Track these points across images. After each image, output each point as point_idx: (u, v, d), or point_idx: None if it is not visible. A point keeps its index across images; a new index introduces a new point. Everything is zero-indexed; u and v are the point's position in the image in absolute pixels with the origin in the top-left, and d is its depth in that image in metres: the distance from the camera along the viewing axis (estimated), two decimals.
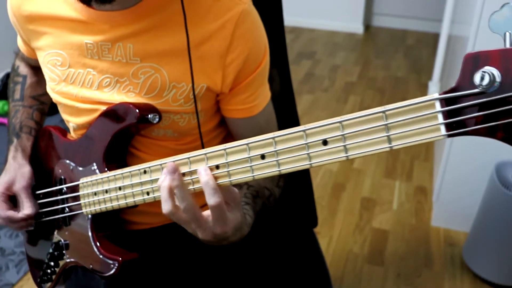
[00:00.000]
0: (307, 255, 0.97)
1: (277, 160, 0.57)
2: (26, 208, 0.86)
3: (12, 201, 0.89)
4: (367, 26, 3.95)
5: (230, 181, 0.61)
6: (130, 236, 0.91)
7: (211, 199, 0.61)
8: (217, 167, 0.61)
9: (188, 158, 0.63)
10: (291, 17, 3.86)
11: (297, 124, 1.16)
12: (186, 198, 0.62)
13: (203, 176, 0.61)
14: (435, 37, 3.44)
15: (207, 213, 0.64)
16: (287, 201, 0.88)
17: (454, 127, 0.45)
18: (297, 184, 1.13)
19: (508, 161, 1.56)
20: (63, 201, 0.86)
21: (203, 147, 0.85)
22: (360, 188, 2.12)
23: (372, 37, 3.80)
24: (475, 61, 0.43)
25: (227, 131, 0.93)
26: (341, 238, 1.85)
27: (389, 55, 3.44)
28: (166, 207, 0.63)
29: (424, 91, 2.91)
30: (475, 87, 0.43)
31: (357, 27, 3.82)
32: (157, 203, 0.68)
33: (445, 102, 0.45)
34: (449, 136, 0.45)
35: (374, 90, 2.95)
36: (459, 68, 0.44)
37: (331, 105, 2.78)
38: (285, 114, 1.06)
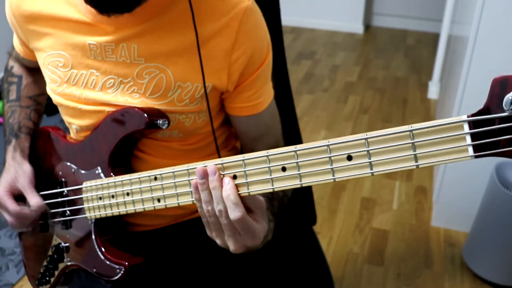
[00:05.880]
0: (307, 253, 0.97)
1: (299, 173, 0.56)
2: (34, 201, 0.83)
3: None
4: (367, 26, 3.94)
5: (248, 192, 0.60)
6: (133, 238, 0.90)
7: (232, 213, 0.59)
8: (234, 176, 0.60)
9: (204, 166, 0.62)
10: (291, 17, 3.86)
11: (295, 125, 1.16)
12: (221, 200, 0.60)
13: (225, 190, 0.59)
14: (435, 37, 3.44)
15: None
16: (288, 200, 0.88)
17: (482, 149, 0.46)
18: None
19: (508, 161, 1.56)
20: (64, 204, 0.85)
21: (217, 147, 0.85)
22: (360, 188, 2.12)
23: (372, 37, 3.80)
24: (503, 85, 0.44)
25: (229, 131, 0.93)
26: (341, 238, 1.85)
27: (389, 55, 3.44)
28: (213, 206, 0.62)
29: (424, 91, 2.91)
30: (503, 110, 0.44)
31: (357, 27, 3.82)
32: None
33: (472, 123, 0.46)
34: (476, 157, 0.46)
35: (374, 90, 2.95)
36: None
37: (331, 105, 2.78)
38: (284, 115, 1.06)
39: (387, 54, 3.46)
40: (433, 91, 2.82)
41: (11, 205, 0.84)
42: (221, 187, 0.60)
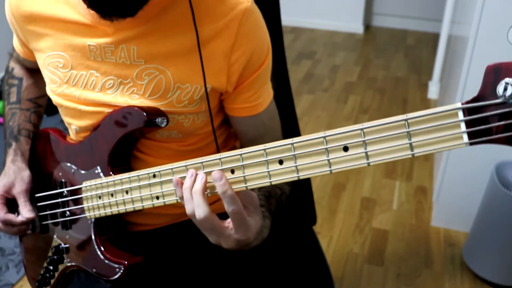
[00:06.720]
0: (307, 253, 0.97)
1: (295, 166, 0.56)
2: (26, 212, 0.85)
3: (9, 205, 0.88)
4: (367, 26, 3.95)
5: (246, 186, 0.60)
6: (133, 237, 0.90)
7: (230, 207, 0.60)
8: (232, 171, 0.60)
9: (202, 162, 0.62)
10: (291, 17, 3.86)
11: (295, 125, 1.16)
12: (202, 205, 0.62)
13: (220, 186, 0.60)
14: (435, 37, 3.44)
15: (227, 221, 0.64)
16: (286, 199, 0.88)
17: (476, 136, 0.46)
18: (296, 182, 1.13)
19: (508, 161, 1.56)
20: (64, 204, 0.85)
21: (217, 147, 0.85)
22: (360, 188, 2.12)
23: (372, 37, 3.80)
24: (496, 72, 0.44)
25: (228, 132, 0.93)
26: (341, 238, 1.85)
27: (389, 55, 3.44)
28: (189, 208, 0.63)
29: (424, 91, 2.91)
30: (497, 97, 0.44)
31: (357, 27, 3.82)
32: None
33: (467, 111, 0.46)
34: (471, 144, 0.46)
35: (374, 90, 2.95)
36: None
37: (331, 105, 2.78)
38: (284, 115, 1.06)
39: (387, 54, 3.46)
40: (433, 91, 2.82)
41: (1, 211, 0.86)
42: (202, 192, 0.62)
